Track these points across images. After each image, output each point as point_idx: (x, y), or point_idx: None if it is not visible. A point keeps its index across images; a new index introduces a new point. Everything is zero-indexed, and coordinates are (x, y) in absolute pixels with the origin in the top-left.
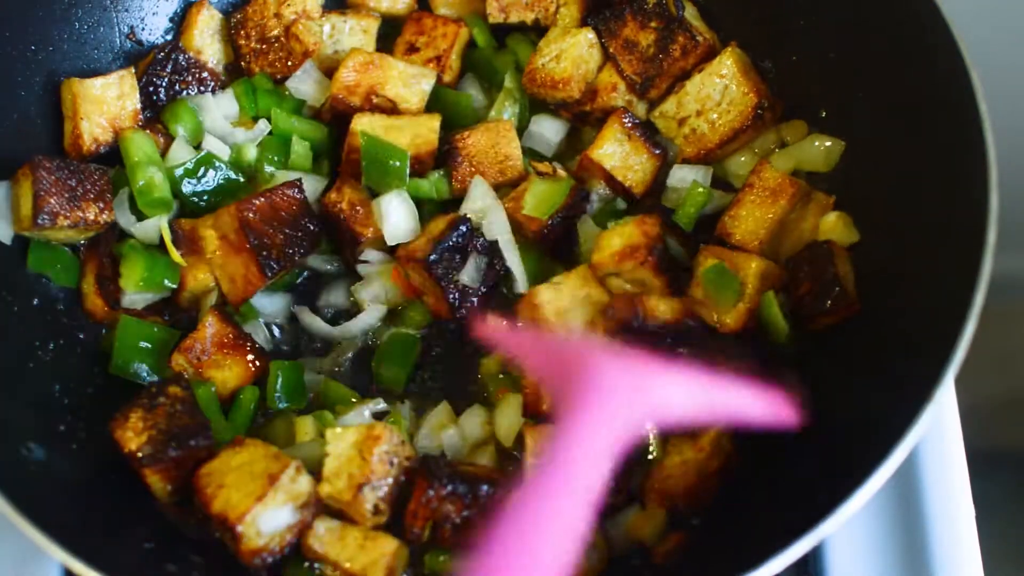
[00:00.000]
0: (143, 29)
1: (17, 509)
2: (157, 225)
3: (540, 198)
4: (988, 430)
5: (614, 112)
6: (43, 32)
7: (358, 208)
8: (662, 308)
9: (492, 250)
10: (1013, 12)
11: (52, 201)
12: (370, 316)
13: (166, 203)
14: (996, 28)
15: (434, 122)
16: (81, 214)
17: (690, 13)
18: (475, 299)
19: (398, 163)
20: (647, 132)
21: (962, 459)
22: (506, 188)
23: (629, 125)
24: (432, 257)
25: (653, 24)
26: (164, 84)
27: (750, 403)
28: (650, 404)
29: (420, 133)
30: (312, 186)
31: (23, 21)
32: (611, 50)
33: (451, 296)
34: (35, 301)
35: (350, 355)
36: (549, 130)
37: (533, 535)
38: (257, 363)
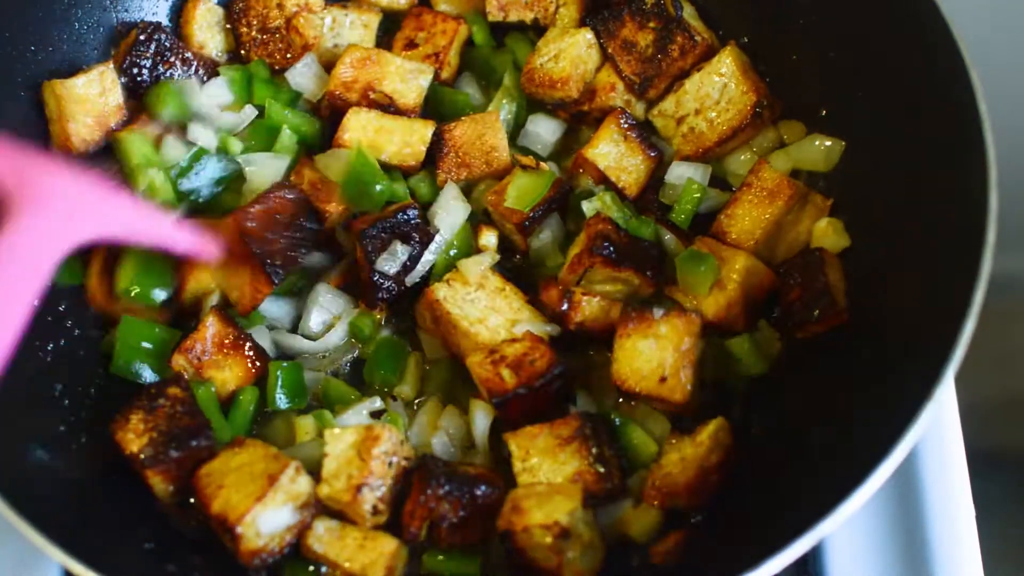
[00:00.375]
0: None
1: (17, 510)
2: None
3: (522, 191)
4: (988, 430)
5: (612, 112)
6: (43, 32)
7: (319, 187)
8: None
9: (423, 246)
10: (1013, 12)
11: None
12: (341, 329)
13: (171, 204)
14: (996, 28)
15: (427, 130)
16: None
17: (688, 13)
18: (392, 290)
19: (380, 188)
20: (644, 134)
21: (962, 459)
22: (491, 180)
23: (626, 126)
24: (369, 230)
25: (651, 24)
26: (147, 66)
27: (171, 234)
28: (90, 219)
29: (410, 141)
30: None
31: (23, 21)
32: (610, 50)
33: (374, 277)
34: (35, 301)
35: (349, 357)
36: (545, 129)
37: None
38: (257, 364)
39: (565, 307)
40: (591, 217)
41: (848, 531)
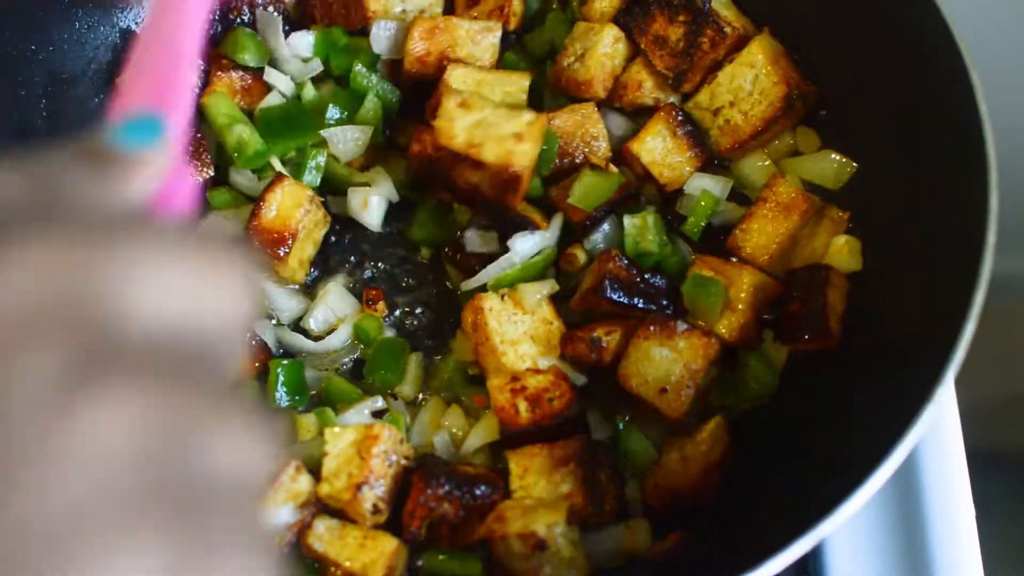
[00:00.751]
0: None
1: None
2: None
3: (588, 189)
4: (988, 430)
5: (663, 107)
6: (43, 31)
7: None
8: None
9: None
10: (1013, 12)
11: None
12: (345, 331)
13: (262, 152)
14: (996, 29)
15: (524, 81)
16: None
17: (719, 2)
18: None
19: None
20: (693, 131)
21: (962, 459)
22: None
23: (676, 123)
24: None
25: (681, 18)
26: (217, 16)
27: None
28: None
29: (511, 92)
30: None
31: (24, 21)
32: (642, 46)
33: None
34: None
35: (352, 356)
36: (613, 124)
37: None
38: (259, 358)
39: (595, 356)
40: (602, 253)
41: (848, 531)
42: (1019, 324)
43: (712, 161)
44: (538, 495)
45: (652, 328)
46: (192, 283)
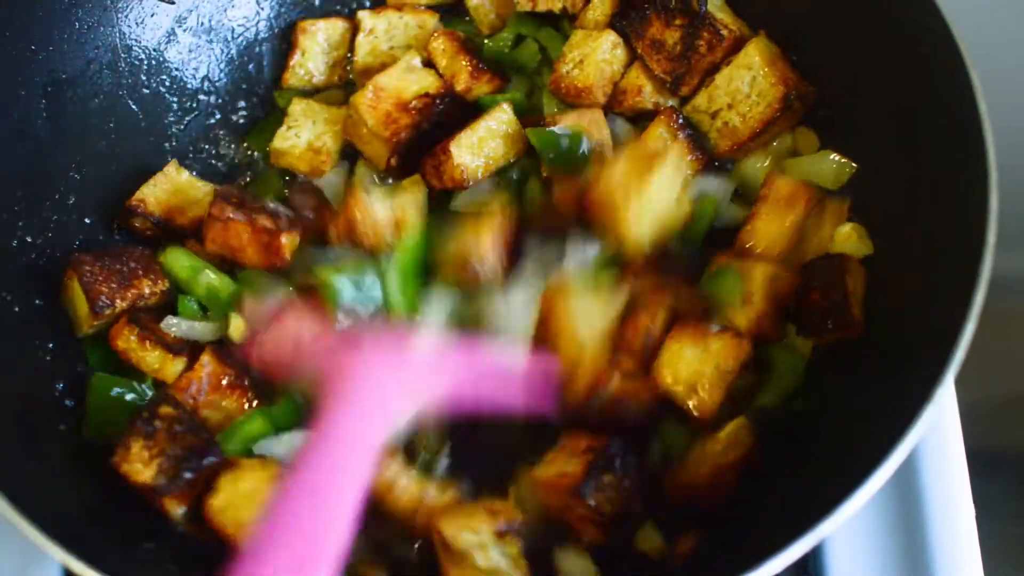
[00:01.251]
0: (143, 29)
1: (17, 509)
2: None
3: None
4: (988, 430)
5: (663, 111)
6: (43, 32)
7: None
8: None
9: None
10: (1013, 12)
11: (104, 289)
12: None
13: (237, 293)
14: (996, 28)
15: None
16: (136, 291)
17: (715, 5)
18: None
19: (581, 148)
20: (693, 134)
21: (962, 459)
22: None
23: (676, 126)
24: None
25: (677, 22)
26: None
27: (506, 391)
28: (406, 390)
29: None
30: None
31: (24, 21)
32: (639, 51)
33: None
34: (36, 301)
35: None
36: (615, 127)
37: (307, 517)
38: (255, 403)
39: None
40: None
41: (848, 531)
42: (1019, 324)
43: (713, 163)
44: (542, 474)
45: (686, 329)
46: None
